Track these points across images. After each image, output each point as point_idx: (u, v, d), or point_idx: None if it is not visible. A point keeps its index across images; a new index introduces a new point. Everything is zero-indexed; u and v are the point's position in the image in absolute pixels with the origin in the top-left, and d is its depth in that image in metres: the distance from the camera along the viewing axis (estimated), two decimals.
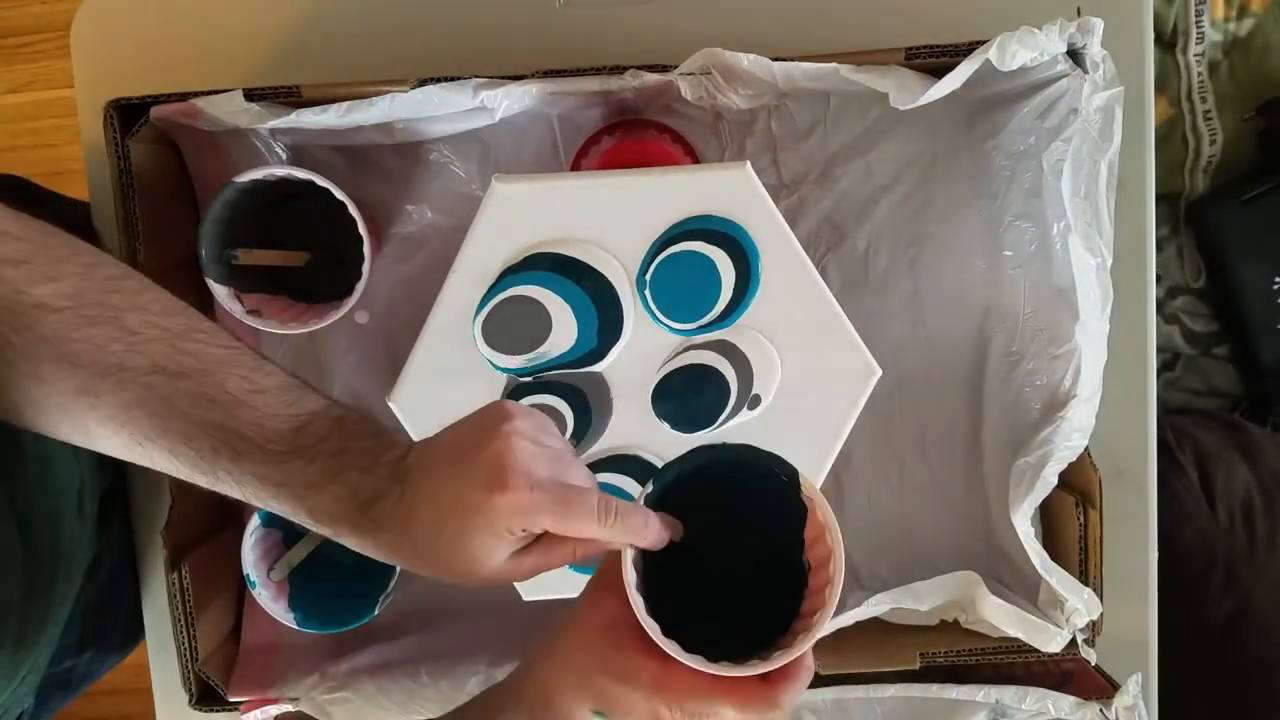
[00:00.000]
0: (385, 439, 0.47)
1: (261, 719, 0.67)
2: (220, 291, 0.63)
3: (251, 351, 0.48)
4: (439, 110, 0.61)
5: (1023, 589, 0.67)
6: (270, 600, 0.65)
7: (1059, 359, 0.65)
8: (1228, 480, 0.86)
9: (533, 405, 0.59)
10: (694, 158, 0.69)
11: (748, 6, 0.69)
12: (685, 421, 0.61)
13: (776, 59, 0.59)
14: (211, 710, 0.67)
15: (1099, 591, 0.64)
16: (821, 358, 0.60)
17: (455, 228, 0.67)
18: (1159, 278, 0.93)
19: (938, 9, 0.68)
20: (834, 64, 0.59)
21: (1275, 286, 0.91)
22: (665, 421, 0.61)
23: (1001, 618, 0.64)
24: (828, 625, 0.43)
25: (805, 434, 0.61)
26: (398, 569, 0.65)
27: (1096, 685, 0.65)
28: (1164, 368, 0.95)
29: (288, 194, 0.65)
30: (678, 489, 0.46)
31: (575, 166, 0.68)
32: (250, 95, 0.60)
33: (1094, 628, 0.65)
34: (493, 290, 0.58)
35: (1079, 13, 0.58)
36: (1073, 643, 0.64)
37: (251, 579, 0.64)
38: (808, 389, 0.60)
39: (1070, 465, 0.64)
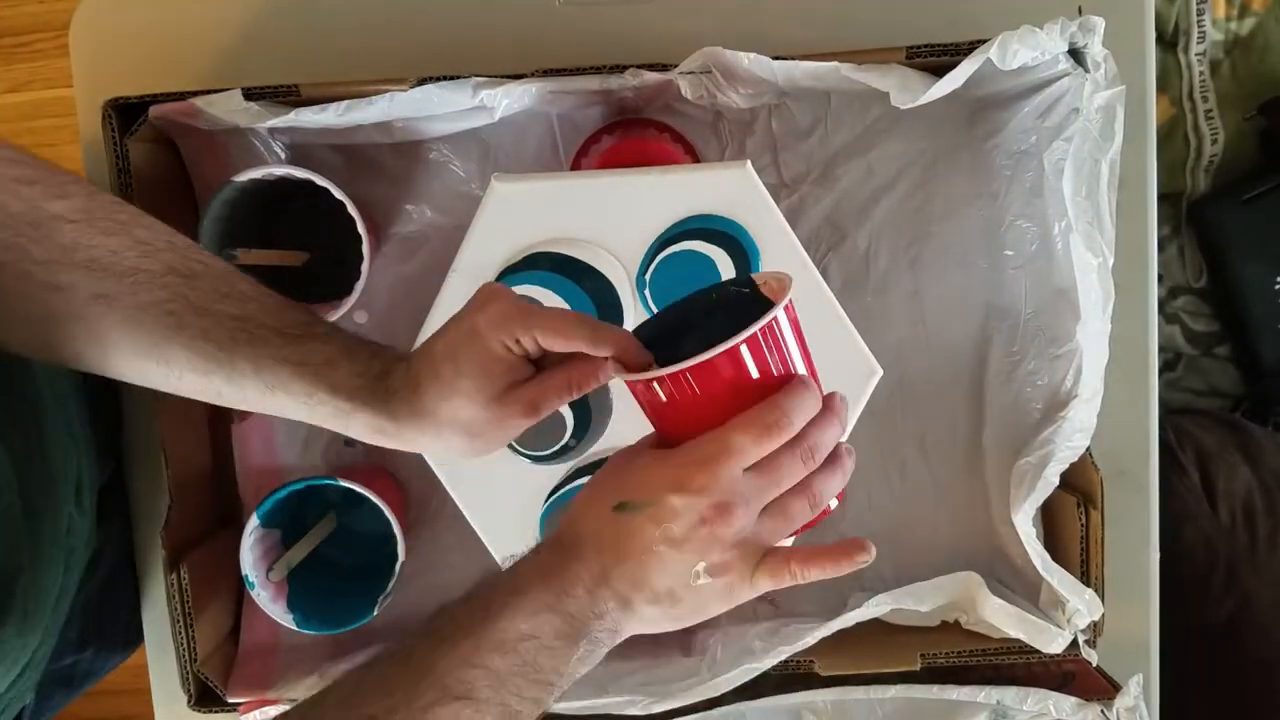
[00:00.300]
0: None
1: None
2: None
3: None
4: (438, 109, 0.61)
5: (1024, 590, 0.67)
6: (269, 601, 0.65)
7: (1060, 359, 0.64)
8: (1229, 480, 0.86)
9: None
10: (694, 157, 0.69)
11: (748, 5, 0.69)
12: None
13: (777, 58, 0.59)
14: (210, 711, 0.67)
15: (1100, 592, 0.64)
16: (823, 357, 0.60)
17: (455, 227, 0.67)
18: (1160, 277, 0.93)
19: (939, 8, 0.68)
20: (834, 63, 0.59)
21: (1276, 286, 0.91)
22: None
23: (1002, 618, 0.64)
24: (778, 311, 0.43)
25: None
26: (397, 569, 0.65)
27: (1098, 686, 0.65)
28: (1165, 368, 0.95)
29: (287, 193, 0.65)
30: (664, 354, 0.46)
31: (575, 166, 0.68)
32: (249, 94, 0.60)
33: (1095, 628, 0.64)
34: None
35: (1080, 12, 0.58)
36: (1074, 643, 0.64)
37: (250, 579, 0.64)
38: None
39: (1071, 465, 0.64)
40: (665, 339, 0.47)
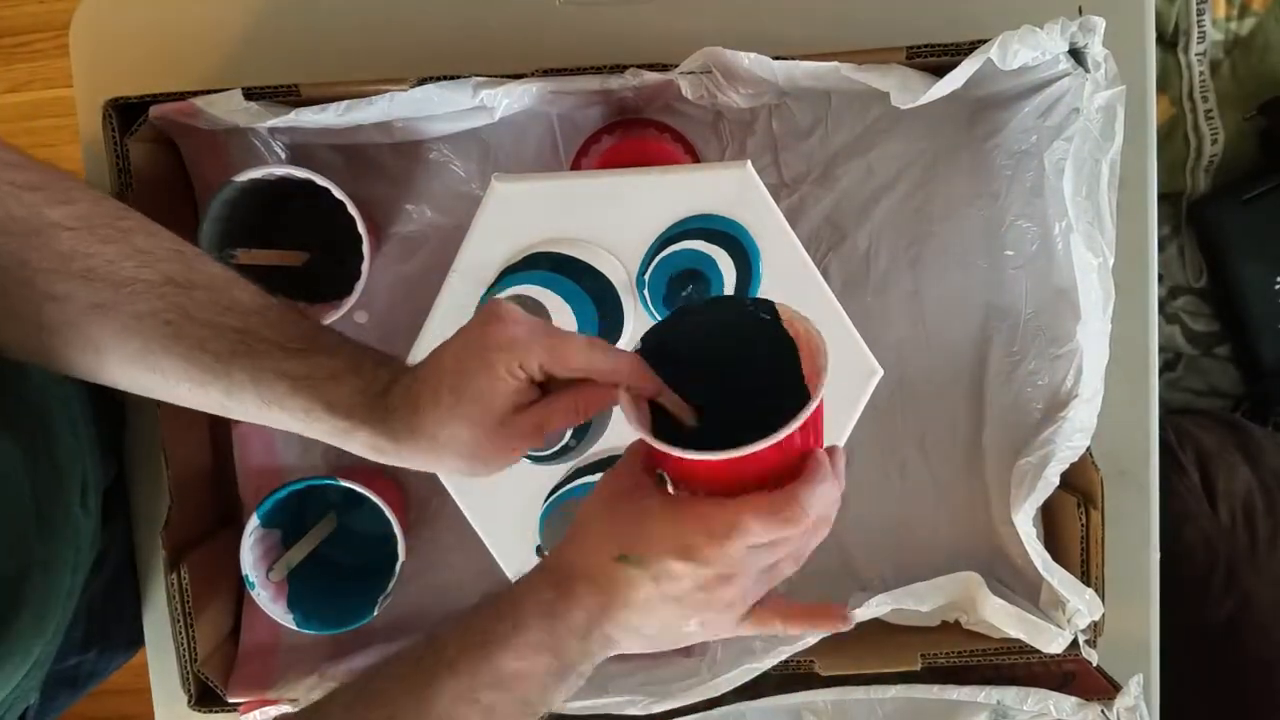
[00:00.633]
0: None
1: None
2: None
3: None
4: (438, 109, 0.61)
5: (1024, 590, 0.67)
6: (269, 601, 0.65)
7: (1060, 359, 0.64)
8: (1229, 480, 0.86)
9: None
10: (694, 157, 0.69)
11: (748, 5, 0.69)
12: None
13: (777, 58, 0.59)
14: (210, 711, 0.67)
15: (1100, 592, 0.64)
16: None
17: (455, 227, 0.67)
18: (1160, 277, 0.93)
19: (939, 8, 0.68)
20: (835, 63, 0.59)
21: (1277, 286, 0.91)
22: None
23: (1003, 618, 0.64)
24: (819, 397, 0.42)
25: None
26: (398, 569, 0.65)
27: (1098, 686, 0.65)
28: (1165, 368, 0.95)
29: (287, 193, 0.65)
30: (673, 371, 0.46)
31: (575, 166, 0.68)
32: (249, 94, 0.60)
33: (1095, 628, 0.64)
34: (492, 290, 0.58)
35: (1080, 12, 0.58)
36: (1074, 643, 0.64)
37: (250, 580, 0.64)
38: None
39: (1072, 465, 0.64)
40: (675, 359, 0.46)
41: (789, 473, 0.43)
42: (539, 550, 0.62)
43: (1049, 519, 0.69)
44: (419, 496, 0.72)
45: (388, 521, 0.64)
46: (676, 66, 0.61)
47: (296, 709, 0.64)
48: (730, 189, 0.57)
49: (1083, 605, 0.63)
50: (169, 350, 0.47)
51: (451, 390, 0.46)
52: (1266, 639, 0.80)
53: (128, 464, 0.72)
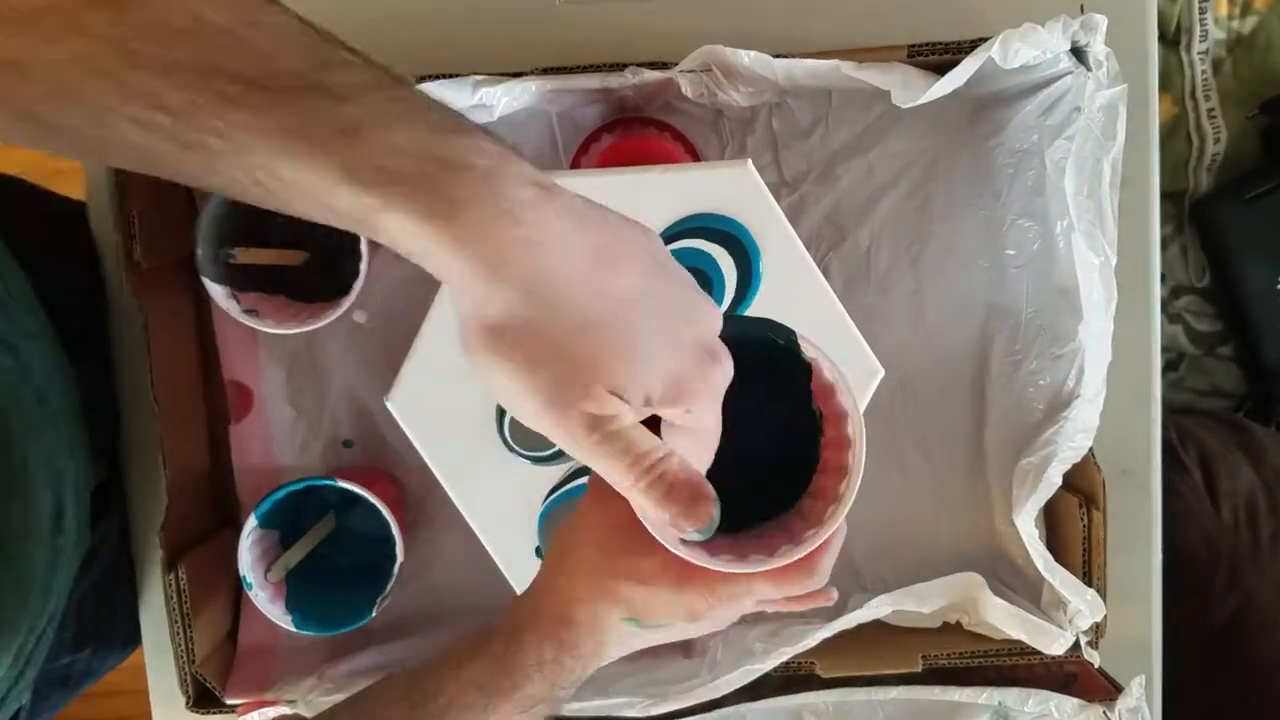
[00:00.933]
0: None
1: None
2: (217, 290, 0.62)
3: None
4: None
5: (1025, 590, 0.67)
6: (267, 602, 0.64)
7: (1062, 359, 0.64)
8: (1231, 480, 0.85)
9: None
10: (695, 155, 0.69)
11: (748, 4, 0.69)
12: None
13: (777, 56, 0.59)
14: (208, 712, 0.66)
15: (1102, 593, 0.64)
16: None
17: None
18: (1163, 277, 0.93)
19: (940, 7, 0.68)
20: (835, 61, 0.59)
21: (1279, 285, 0.91)
22: None
23: (1004, 619, 0.63)
24: (855, 492, 0.43)
25: None
26: (396, 570, 0.65)
27: (1100, 687, 0.64)
28: (1168, 367, 0.95)
29: None
30: None
31: (575, 164, 0.68)
32: None
33: (1097, 629, 0.64)
34: None
35: (1082, 10, 0.57)
36: (1076, 644, 0.64)
37: (248, 580, 0.64)
38: None
39: (1074, 466, 0.64)
40: None
41: None
42: (538, 551, 0.62)
43: (1051, 519, 0.68)
44: (417, 497, 0.72)
45: (386, 522, 0.64)
46: (677, 65, 0.61)
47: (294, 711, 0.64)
48: (731, 188, 0.57)
49: (1084, 606, 0.62)
50: (111, 121, 0.31)
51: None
52: (1269, 639, 0.80)
53: (124, 464, 0.72)
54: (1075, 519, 0.64)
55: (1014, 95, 0.65)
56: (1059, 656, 0.64)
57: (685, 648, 0.70)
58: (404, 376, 0.60)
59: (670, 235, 0.58)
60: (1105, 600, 0.64)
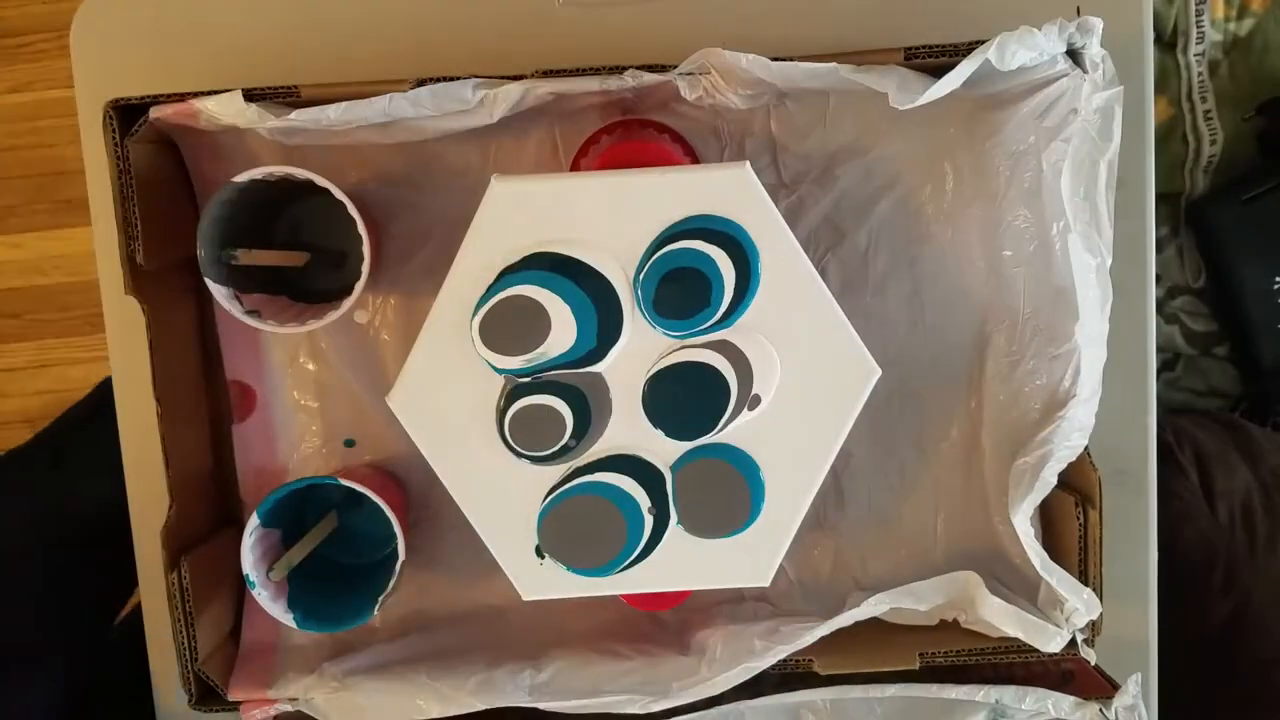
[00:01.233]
0: None
1: (261, 719, 0.67)
2: (219, 291, 0.63)
3: None
4: (438, 110, 0.61)
5: (1022, 589, 0.67)
6: (269, 600, 0.65)
7: (1059, 359, 0.64)
8: (1228, 480, 0.86)
9: (531, 406, 0.59)
10: (693, 157, 0.69)
11: (747, 6, 0.69)
12: (682, 425, 0.60)
13: (775, 59, 0.59)
14: (211, 710, 0.67)
15: (1099, 591, 0.64)
16: (821, 358, 0.60)
17: (455, 227, 0.67)
18: (1159, 278, 0.93)
19: (937, 9, 0.68)
20: (833, 64, 0.59)
21: (1275, 286, 0.91)
22: (659, 428, 0.60)
23: (1001, 618, 0.64)
24: None
25: (805, 434, 0.61)
26: (398, 569, 0.65)
27: (1096, 685, 0.65)
28: (1164, 368, 0.95)
29: (287, 193, 0.65)
30: None
31: (575, 166, 0.68)
32: (250, 95, 0.60)
33: (1094, 628, 0.65)
34: (490, 290, 0.58)
35: (1079, 12, 0.58)
36: (1072, 643, 0.64)
37: (251, 579, 0.64)
38: (807, 389, 0.60)
39: (1070, 465, 0.64)
40: None
41: None
42: (538, 550, 0.63)
43: (1047, 519, 0.69)
44: (419, 496, 0.72)
45: (388, 521, 0.64)
46: (675, 67, 0.61)
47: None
48: (729, 189, 0.58)
49: (1081, 605, 0.63)
50: None
51: None
52: (1265, 639, 0.81)
53: (127, 465, 0.72)
54: (1071, 518, 0.65)
55: (1011, 97, 0.65)
56: (1056, 654, 0.64)
57: (683, 645, 0.70)
58: (405, 376, 0.60)
59: (669, 237, 0.58)
60: (1101, 599, 0.64)
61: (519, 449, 0.60)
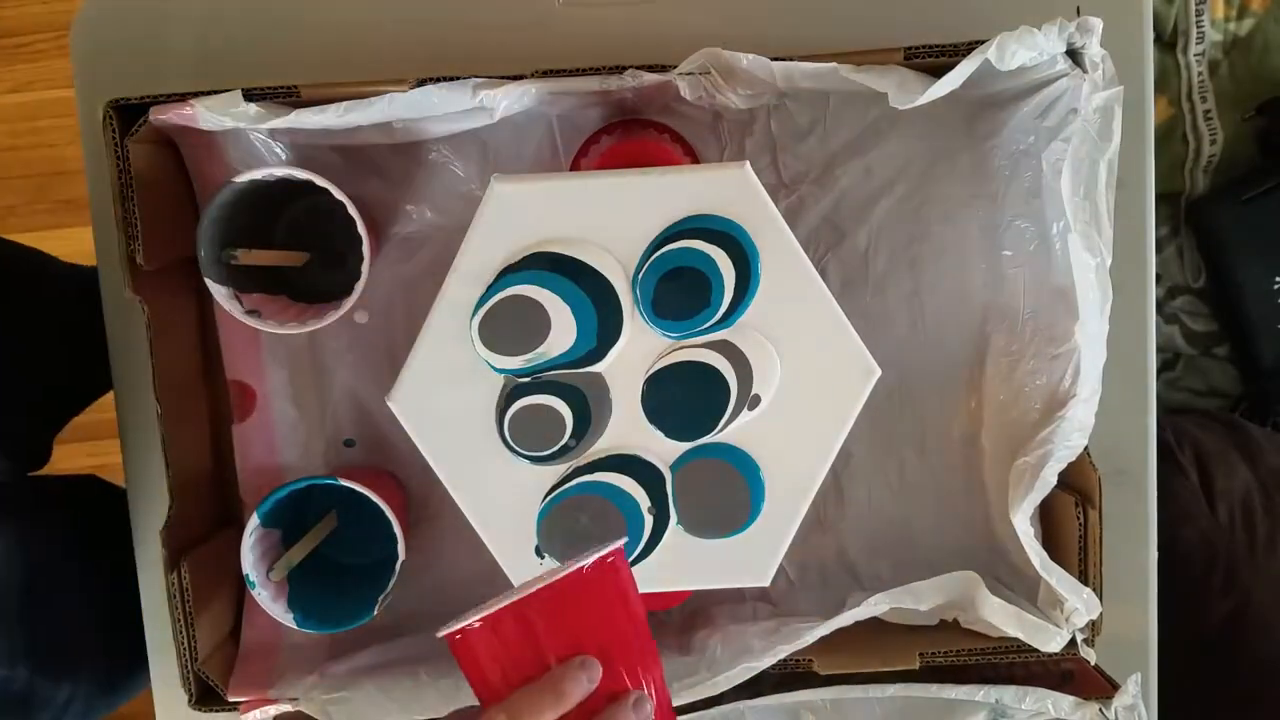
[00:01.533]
0: None
1: (261, 719, 0.67)
2: (219, 291, 0.63)
3: None
4: (438, 110, 0.61)
5: (1022, 589, 0.67)
6: (269, 600, 0.65)
7: (1059, 358, 0.64)
8: (1228, 480, 0.86)
9: (531, 406, 0.59)
10: (693, 157, 0.69)
11: (747, 6, 0.69)
12: (682, 425, 0.60)
13: (775, 59, 0.59)
14: (211, 710, 0.67)
15: (1098, 591, 0.64)
16: (821, 358, 0.60)
17: (455, 227, 0.67)
18: (1159, 277, 0.93)
19: (937, 9, 0.68)
20: (833, 64, 0.59)
21: (1275, 286, 0.91)
22: (659, 429, 0.60)
23: (1001, 618, 0.64)
24: None
25: (805, 434, 0.61)
26: (397, 569, 0.65)
27: (1096, 685, 0.65)
28: (1164, 367, 0.95)
29: (287, 194, 0.65)
30: None
31: (574, 166, 0.68)
32: (249, 95, 0.60)
33: (1093, 627, 0.65)
34: (490, 290, 0.58)
35: (1078, 12, 0.58)
36: (1072, 642, 0.64)
37: (251, 579, 0.64)
38: (807, 389, 0.60)
39: (1070, 465, 0.64)
40: None
41: None
42: (538, 550, 0.63)
43: (1047, 518, 0.69)
44: (419, 496, 0.72)
45: (388, 521, 0.64)
46: (675, 68, 0.61)
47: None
48: (729, 189, 0.58)
49: (1081, 604, 0.63)
50: None
51: None
52: (1265, 639, 0.81)
53: (127, 464, 0.72)
54: (1071, 518, 0.65)
55: (1011, 97, 0.65)
56: (1055, 654, 0.64)
57: (683, 645, 0.70)
58: (405, 376, 0.60)
59: (669, 236, 0.58)
60: (1101, 598, 0.64)
61: (519, 449, 0.60)
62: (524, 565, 0.62)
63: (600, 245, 0.59)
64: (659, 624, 0.73)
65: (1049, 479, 0.63)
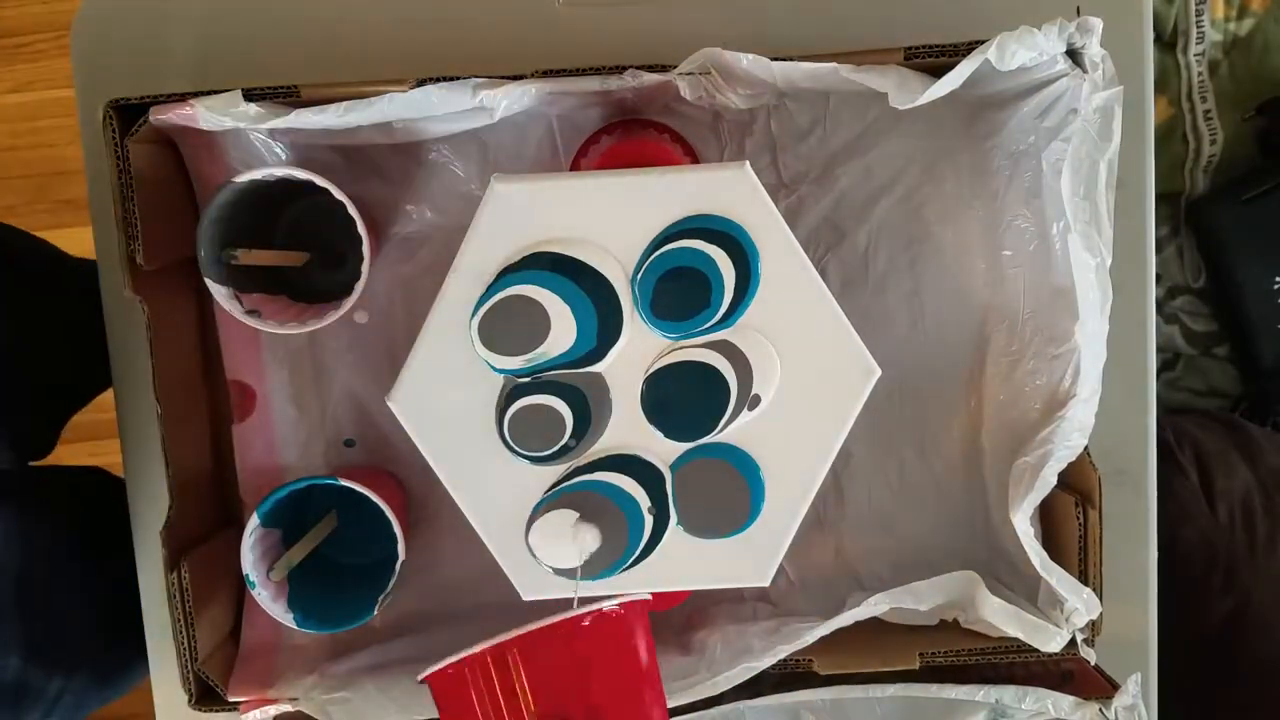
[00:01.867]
0: None
1: (260, 719, 0.67)
2: (219, 291, 0.63)
3: None
4: (438, 110, 0.61)
5: (1022, 589, 0.67)
6: (269, 600, 0.65)
7: (1059, 358, 0.64)
8: (1228, 480, 0.86)
9: (531, 406, 0.59)
10: (693, 157, 0.69)
11: (747, 6, 0.69)
12: (682, 425, 0.60)
13: (775, 59, 0.59)
14: (211, 710, 0.67)
15: (1099, 591, 0.64)
16: (821, 358, 0.60)
17: (455, 227, 0.67)
18: (1159, 277, 0.93)
19: (937, 9, 0.68)
20: (833, 64, 0.59)
21: (1275, 286, 0.91)
22: (659, 429, 0.60)
23: (1001, 618, 0.64)
24: None
25: (805, 434, 0.61)
26: (397, 569, 0.65)
27: (1096, 685, 0.65)
28: (1164, 367, 0.95)
29: (287, 194, 0.65)
30: None
31: (574, 166, 0.68)
32: (249, 95, 0.60)
33: (1093, 627, 0.65)
34: (490, 290, 0.58)
35: (1078, 12, 0.58)
36: (1072, 642, 0.64)
37: (251, 579, 0.64)
38: (807, 389, 0.60)
39: (1070, 465, 0.64)
40: None
41: None
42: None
43: (1047, 518, 0.69)
44: (419, 496, 0.72)
45: (388, 521, 0.64)
46: (675, 68, 0.61)
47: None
48: (729, 189, 0.58)
49: (1081, 604, 0.63)
50: None
51: None
52: (1265, 639, 0.81)
53: (126, 464, 0.72)
54: (1071, 518, 0.65)
55: (1010, 97, 0.65)
56: (1055, 654, 0.64)
57: (683, 645, 0.70)
58: (405, 376, 0.60)
59: (668, 236, 0.58)
60: (1101, 598, 0.64)
61: (519, 449, 0.60)
62: (524, 565, 0.62)
63: (600, 245, 0.59)
64: (659, 624, 0.74)
65: (1049, 479, 0.63)
